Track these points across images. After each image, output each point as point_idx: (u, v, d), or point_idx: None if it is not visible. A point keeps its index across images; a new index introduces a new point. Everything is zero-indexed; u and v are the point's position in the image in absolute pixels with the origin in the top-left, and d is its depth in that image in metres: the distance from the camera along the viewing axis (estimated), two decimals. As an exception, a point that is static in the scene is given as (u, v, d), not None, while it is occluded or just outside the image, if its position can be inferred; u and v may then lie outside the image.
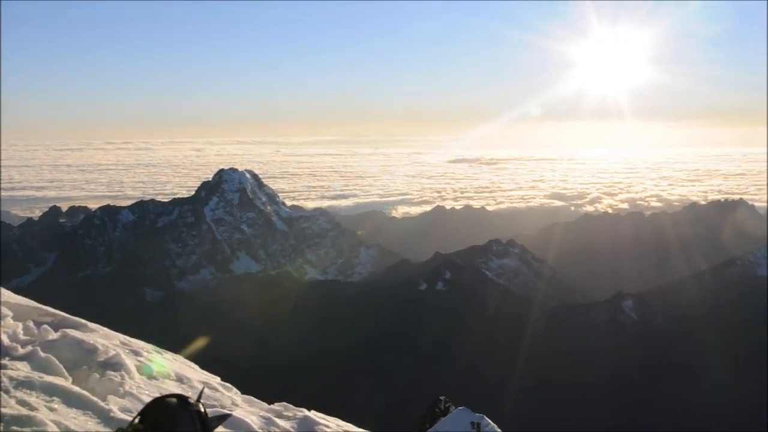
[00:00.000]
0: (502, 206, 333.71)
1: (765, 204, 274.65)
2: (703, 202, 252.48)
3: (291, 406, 9.09)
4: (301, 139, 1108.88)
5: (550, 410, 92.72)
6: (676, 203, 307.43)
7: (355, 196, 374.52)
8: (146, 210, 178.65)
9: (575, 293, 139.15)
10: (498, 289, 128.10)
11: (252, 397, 9.16)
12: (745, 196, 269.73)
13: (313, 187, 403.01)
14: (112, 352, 7.95)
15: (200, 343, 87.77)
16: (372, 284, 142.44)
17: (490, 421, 14.64)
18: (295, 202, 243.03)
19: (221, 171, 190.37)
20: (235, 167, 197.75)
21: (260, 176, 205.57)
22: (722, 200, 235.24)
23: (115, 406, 6.70)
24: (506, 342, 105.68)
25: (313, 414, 9.01)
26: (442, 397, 16.82)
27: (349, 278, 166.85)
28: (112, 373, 7.49)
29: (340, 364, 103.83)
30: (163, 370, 8.48)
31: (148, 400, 5.19)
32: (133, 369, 7.89)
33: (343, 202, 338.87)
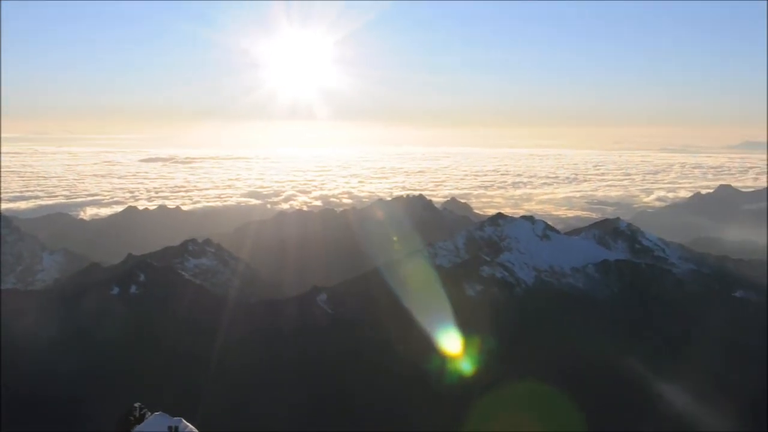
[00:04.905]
0: (198, 205, 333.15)
1: (441, 199, 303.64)
2: (389, 198, 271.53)
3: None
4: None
5: (242, 408, 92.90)
6: (366, 199, 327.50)
7: (37, 197, 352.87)
8: None
9: (272, 289, 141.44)
10: (194, 289, 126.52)
11: None
12: (424, 192, 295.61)
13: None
14: None
15: None
16: (57, 291, 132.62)
17: (188, 424, 14.61)
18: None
19: None
20: None
21: None
22: (405, 196, 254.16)
23: None
24: (203, 341, 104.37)
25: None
26: (136, 404, 16.30)
27: (30, 286, 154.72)
28: None
29: (25, 376, 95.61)
30: None
31: None
32: None
33: (23, 205, 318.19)
